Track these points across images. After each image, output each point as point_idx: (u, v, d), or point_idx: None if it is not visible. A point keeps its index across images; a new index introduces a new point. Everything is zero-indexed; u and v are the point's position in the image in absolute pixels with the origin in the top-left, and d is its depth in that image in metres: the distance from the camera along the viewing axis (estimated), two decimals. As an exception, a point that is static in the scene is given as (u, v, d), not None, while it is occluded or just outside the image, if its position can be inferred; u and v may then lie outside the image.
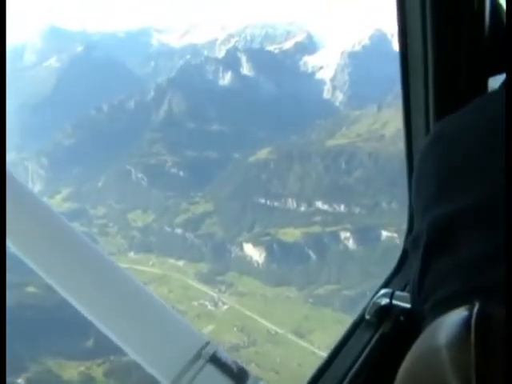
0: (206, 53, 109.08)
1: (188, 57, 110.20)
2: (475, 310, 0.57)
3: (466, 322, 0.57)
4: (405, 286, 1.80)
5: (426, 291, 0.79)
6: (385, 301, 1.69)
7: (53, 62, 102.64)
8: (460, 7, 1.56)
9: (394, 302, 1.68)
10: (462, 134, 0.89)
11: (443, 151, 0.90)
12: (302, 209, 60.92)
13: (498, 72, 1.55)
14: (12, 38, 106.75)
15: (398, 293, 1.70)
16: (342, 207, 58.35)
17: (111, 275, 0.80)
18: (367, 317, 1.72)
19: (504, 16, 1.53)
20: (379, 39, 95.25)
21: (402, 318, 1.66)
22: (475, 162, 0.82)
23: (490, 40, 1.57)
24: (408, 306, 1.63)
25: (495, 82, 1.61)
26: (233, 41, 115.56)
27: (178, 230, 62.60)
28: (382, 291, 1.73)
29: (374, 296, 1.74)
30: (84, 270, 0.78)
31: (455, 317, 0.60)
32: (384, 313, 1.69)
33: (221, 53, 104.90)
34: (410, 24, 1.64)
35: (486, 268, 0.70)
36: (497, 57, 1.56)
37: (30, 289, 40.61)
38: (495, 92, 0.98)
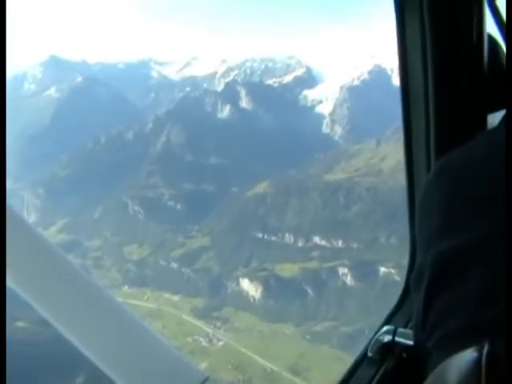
0: (205, 85, 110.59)
1: (188, 89, 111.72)
2: (485, 350, 0.57)
3: (477, 362, 0.57)
4: (407, 323, 1.79)
5: (429, 328, 0.79)
6: (387, 338, 1.67)
7: (52, 91, 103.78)
8: (459, 44, 1.59)
9: (397, 339, 1.66)
10: (464, 169, 0.88)
11: (446, 187, 0.89)
12: (300, 244, 60.72)
13: (497, 109, 1.57)
14: (12, 67, 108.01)
15: (400, 330, 1.68)
16: (340, 242, 58.19)
17: (108, 309, 0.78)
18: (370, 354, 1.69)
19: (502, 53, 1.56)
20: (378, 74, 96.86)
21: (404, 355, 1.63)
22: (476, 198, 0.82)
23: (489, 77, 1.59)
24: (411, 343, 1.62)
25: (493, 119, 1.63)
26: (232, 74, 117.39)
27: (174, 265, 62.17)
28: (385, 328, 1.72)
29: (376, 333, 1.73)
30: (80, 303, 0.77)
31: (465, 358, 0.59)
32: (387, 350, 1.67)
33: (220, 86, 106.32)
34: (410, 59, 1.66)
35: (485, 305, 0.70)
36: (495, 94, 1.58)
37: (20, 323, 39.93)
38: (496, 128, 0.99)
